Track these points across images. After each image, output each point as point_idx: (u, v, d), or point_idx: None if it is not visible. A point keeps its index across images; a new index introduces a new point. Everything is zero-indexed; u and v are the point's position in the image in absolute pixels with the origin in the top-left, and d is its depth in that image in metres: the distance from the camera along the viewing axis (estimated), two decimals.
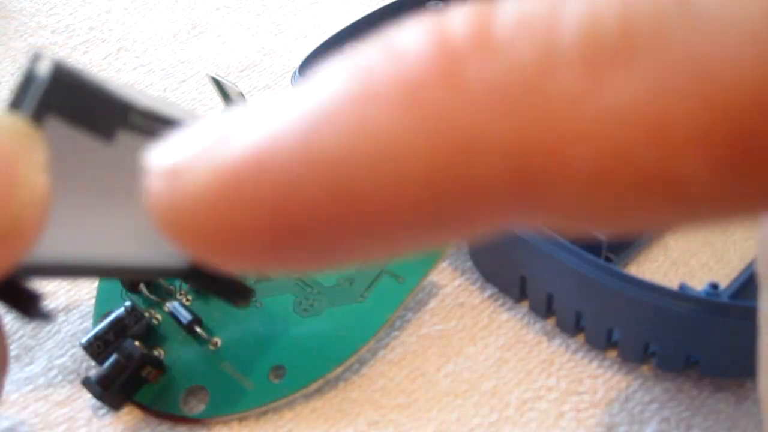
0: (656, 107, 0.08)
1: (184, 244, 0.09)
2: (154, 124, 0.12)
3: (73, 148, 0.12)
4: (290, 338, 0.22)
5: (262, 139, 0.09)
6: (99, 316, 0.24)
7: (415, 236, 0.09)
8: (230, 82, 0.25)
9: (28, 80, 0.11)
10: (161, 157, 0.09)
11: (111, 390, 0.21)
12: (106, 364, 0.21)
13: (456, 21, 0.09)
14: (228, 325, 0.23)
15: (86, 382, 0.21)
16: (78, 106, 0.11)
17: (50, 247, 0.13)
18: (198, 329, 0.22)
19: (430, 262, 0.23)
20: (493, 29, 0.08)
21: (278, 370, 0.22)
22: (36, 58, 0.11)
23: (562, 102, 0.08)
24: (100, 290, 0.25)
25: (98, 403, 0.22)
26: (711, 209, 0.08)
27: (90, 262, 0.14)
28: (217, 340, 0.22)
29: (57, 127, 0.11)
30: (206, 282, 0.17)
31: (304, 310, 0.22)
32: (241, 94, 0.25)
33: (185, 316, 0.23)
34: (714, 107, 0.08)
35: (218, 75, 0.26)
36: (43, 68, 0.11)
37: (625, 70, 0.08)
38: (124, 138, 0.12)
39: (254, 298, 0.22)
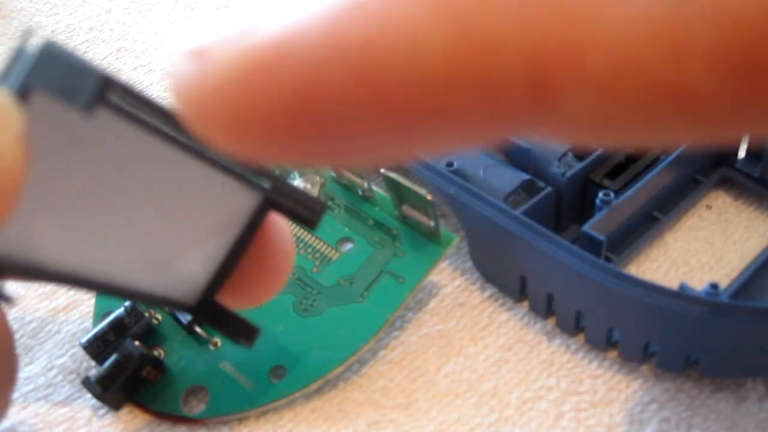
0: (674, 19, 0.08)
1: (207, 128, 0.09)
2: (135, 103, 0.12)
3: (56, 130, 0.12)
4: (290, 338, 0.22)
5: (289, 25, 0.09)
6: (99, 316, 0.24)
7: (428, 133, 0.09)
8: None
9: (18, 55, 0.11)
10: (189, 40, 0.09)
11: (111, 390, 0.21)
12: (106, 364, 0.21)
13: None
14: None
15: (86, 382, 0.21)
16: (64, 82, 0.11)
17: (22, 240, 0.12)
18: (198, 329, 0.22)
19: (430, 262, 0.23)
20: None
21: (278, 370, 0.22)
22: (27, 35, 0.11)
23: (586, 6, 0.08)
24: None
25: (98, 403, 0.22)
26: (715, 122, 0.09)
27: (71, 270, 0.14)
28: (217, 340, 0.22)
29: (42, 104, 0.11)
30: (213, 318, 0.17)
31: (304, 310, 0.22)
32: None
33: (185, 316, 0.23)
34: (728, 23, 0.08)
35: None
36: (33, 44, 0.11)
37: None
38: (106, 118, 0.12)
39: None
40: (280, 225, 0.17)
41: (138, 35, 0.37)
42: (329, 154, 0.10)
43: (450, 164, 0.23)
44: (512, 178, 0.24)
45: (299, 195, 0.16)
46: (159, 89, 0.34)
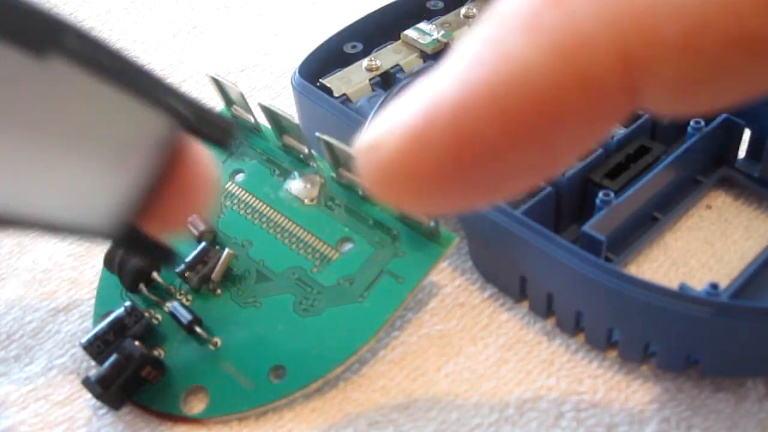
0: None
1: (394, 197, 0.12)
2: (90, 47, 0.12)
3: (6, 73, 0.12)
4: (290, 338, 0.22)
5: (426, 101, 0.11)
6: (99, 316, 0.24)
7: (560, 141, 0.11)
8: (230, 82, 0.25)
9: None
10: (363, 140, 0.12)
11: (111, 390, 0.21)
12: (106, 364, 0.21)
13: None
14: (228, 325, 0.23)
15: (86, 382, 0.21)
16: (16, 24, 0.11)
17: None
18: (198, 329, 0.22)
19: (430, 262, 0.23)
20: None
21: (278, 370, 0.22)
22: None
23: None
24: (100, 290, 0.25)
25: (98, 403, 0.22)
26: None
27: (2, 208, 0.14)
28: (217, 340, 0.23)
29: None
30: (133, 243, 0.17)
31: (304, 310, 0.22)
32: (241, 95, 0.25)
33: (185, 316, 0.23)
34: None
35: (218, 75, 0.26)
36: None
37: None
38: (58, 64, 0.12)
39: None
40: (197, 148, 0.17)
41: (138, 35, 0.37)
42: (491, 185, 0.12)
43: None
44: None
45: (211, 117, 0.16)
46: None
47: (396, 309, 0.22)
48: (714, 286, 0.20)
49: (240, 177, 0.26)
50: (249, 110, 0.26)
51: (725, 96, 0.11)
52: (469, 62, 0.11)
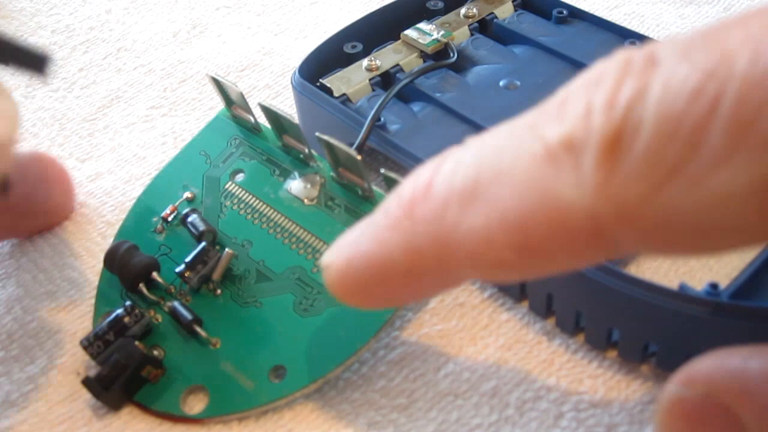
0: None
1: (343, 298, 0.17)
2: None
3: None
4: (290, 338, 0.22)
5: (351, 247, 0.17)
6: (99, 315, 0.24)
7: (551, 264, 0.14)
8: (230, 82, 0.25)
9: None
10: (323, 258, 0.18)
11: (111, 390, 0.21)
12: (107, 364, 0.21)
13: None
14: (228, 325, 0.23)
15: (86, 382, 0.21)
16: None
17: None
18: (198, 329, 0.22)
19: None
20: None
21: (278, 370, 0.22)
22: None
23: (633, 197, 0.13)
24: (100, 290, 0.25)
25: (98, 403, 0.22)
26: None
27: None
28: (217, 340, 0.23)
29: None
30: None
31: (304, 310, 0.22)
32: (241, 94, 0.25)
33: (185, 316, 0.23)
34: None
35: (218, 75, 0.26)
36: None
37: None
38: None
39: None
40: None
41: (138, 35, 0.37)
42: (400, 296, 0.18)
43: None
44: None
45: (24, 47, 0.17)
46: (159, 89, 0.34)
47: (396, 309, 0.22)
48: (714, 286, 0.20)
49: (240, 177, 0.26)
50: (249, 110, 0.26)
51: (695, 250, 0.13)
52: (373, 232, 0.16)
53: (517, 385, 0.22)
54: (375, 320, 0.22)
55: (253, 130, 0.27)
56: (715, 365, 0.15)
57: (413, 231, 0.15)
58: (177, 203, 0.26)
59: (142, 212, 0.26)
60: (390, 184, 0.22)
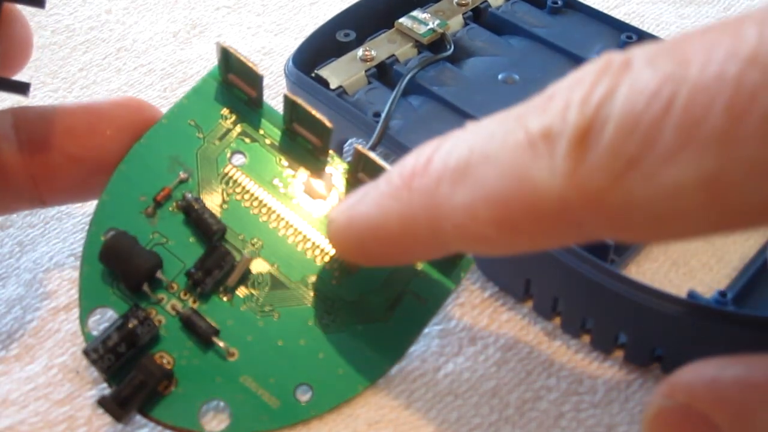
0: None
1: (341, 252, 0.21)
2: None
3: None
4: (314, 355, 0.21)
5: (353, 207, 0.19)
6: (87, 311, 0.22)
7: (530, 240, 0.16)
8: (249, 60, 0.23)
9: None
10: (331, 214, 0.20)
11: (127, 409, 0.20)
12: (125, 382, 0.20)
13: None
14: (244, 335, 0.22)
15: (103, 403, 0.20)
16: None
17: None
18: (216, 340, 0.21)
19: (451, 285, 0.22)
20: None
21: (304, 388, 0.21)
22: None
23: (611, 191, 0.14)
24: (83, 286, 0.22)
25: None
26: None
27: None
28: (234, 351, 0.21)
29: None
30: None
31: (326, 324, 0.22)
32: (261, 78, 0.23)
33: (202, 326, 0.21)
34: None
35: (235, 49, 0.23)
36: None
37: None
38: None
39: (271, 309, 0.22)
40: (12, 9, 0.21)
41: (138, 35, 0.37)
42: (393, 256, 0.20)
43: None
44: None
45: None
46: (159, 89, 0.34)
47: (420, 331, 0.22)
48: (723, 294, 0.20)
49: (239, 159, 0.24)
50: (260, 94, 0.24)
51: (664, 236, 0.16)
52: (373, 199, 0.18)
53: (518, 385, 0.22)
54: (400, 342, 0.22)
55: (250, 103, 0.24)
56: (693, 376, 0.16)
57: (410, 201, 0.17)
58: (171, 185, 0.23)
59: (123, 185, 0.23)
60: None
